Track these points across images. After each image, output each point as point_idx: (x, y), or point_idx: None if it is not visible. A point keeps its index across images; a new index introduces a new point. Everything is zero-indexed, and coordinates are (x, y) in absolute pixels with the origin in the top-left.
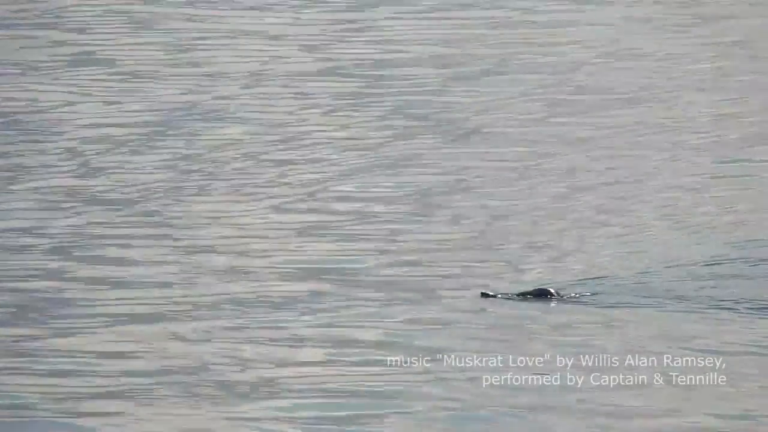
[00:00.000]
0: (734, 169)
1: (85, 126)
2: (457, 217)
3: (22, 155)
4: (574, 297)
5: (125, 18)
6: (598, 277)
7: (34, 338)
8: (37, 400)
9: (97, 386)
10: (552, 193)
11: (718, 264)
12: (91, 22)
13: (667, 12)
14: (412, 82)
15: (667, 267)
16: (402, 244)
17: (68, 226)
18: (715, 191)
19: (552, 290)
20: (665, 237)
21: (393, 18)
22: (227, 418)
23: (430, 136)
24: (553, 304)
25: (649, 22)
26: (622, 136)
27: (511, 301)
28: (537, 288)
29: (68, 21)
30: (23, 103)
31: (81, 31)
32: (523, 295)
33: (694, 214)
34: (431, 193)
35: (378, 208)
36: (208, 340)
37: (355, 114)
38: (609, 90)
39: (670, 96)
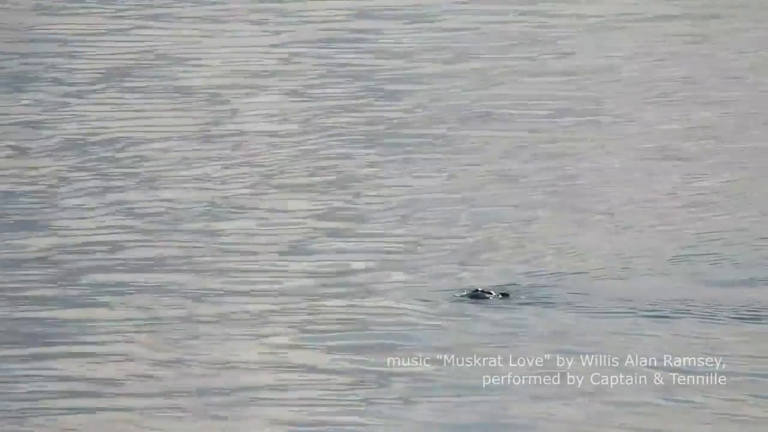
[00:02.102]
0: (706, 168)
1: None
2: (425, 218)
3: None
4: (527, 300)
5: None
6: (552, 274)
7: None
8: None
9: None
10: (517, 193)
11: (684, 264)
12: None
13: (647, 9)
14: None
15: (624, 268)
16: (384, 246)
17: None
18: (685, 189)
19: (486, 291)
20: (634, 237)
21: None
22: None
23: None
24: (496, 306)
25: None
26: (591, 135)
27: (460, 302)
28: (474, 290)
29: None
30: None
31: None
32: (462, 295)
33: (663, 214)
34: (409, 197)
35: (358, 212)
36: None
37: (332, 120)
38: (579, 90)
39: (641, 98)
